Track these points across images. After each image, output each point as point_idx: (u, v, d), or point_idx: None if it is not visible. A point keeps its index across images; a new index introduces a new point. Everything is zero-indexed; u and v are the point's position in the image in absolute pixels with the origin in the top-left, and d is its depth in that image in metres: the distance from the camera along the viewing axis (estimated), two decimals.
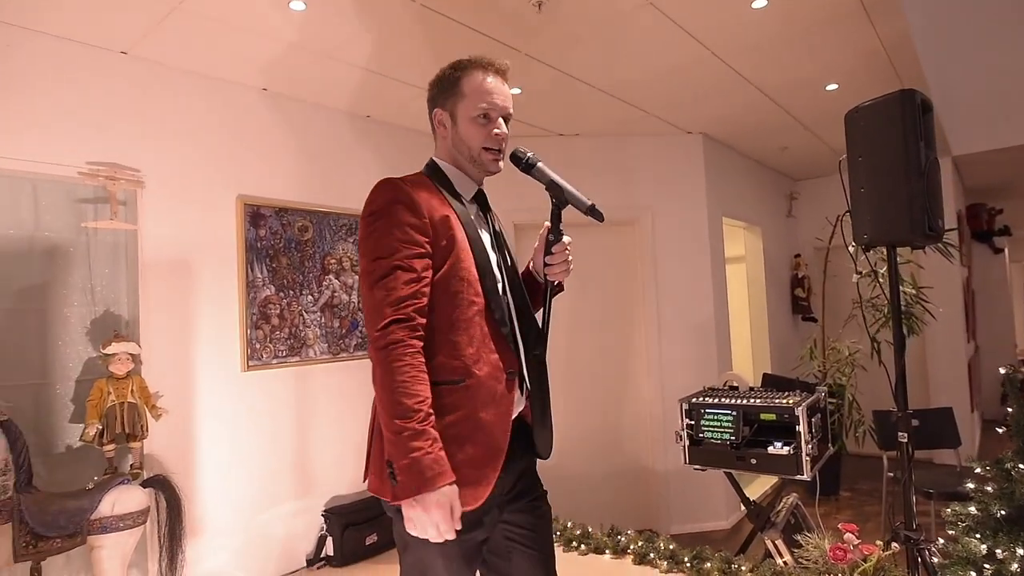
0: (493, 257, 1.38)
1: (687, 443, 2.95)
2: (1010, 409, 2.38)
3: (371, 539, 3.25)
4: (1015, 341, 7.77)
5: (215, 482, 2.89)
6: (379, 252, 1.23)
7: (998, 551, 2.12)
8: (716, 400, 2.94)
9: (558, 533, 3.34)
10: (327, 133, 3.47)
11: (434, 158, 1.45)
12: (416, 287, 1.22)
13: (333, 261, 3.41)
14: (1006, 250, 7.58)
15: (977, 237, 7.17)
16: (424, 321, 1.23)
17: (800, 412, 2.69)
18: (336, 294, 3.41)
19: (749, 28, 2.78)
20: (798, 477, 2.68)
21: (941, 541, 2.35)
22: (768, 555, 2.98)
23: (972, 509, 2.32)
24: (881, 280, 4.30)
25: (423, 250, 1.25)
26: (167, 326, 2.78)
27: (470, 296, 1.31)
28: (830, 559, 2.20)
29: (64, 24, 2.44)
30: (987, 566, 2.16)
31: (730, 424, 2.85)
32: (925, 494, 3.50)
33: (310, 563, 3.18)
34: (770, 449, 2.73)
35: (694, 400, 2.98)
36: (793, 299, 5.85)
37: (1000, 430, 2.49)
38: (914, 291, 4.41)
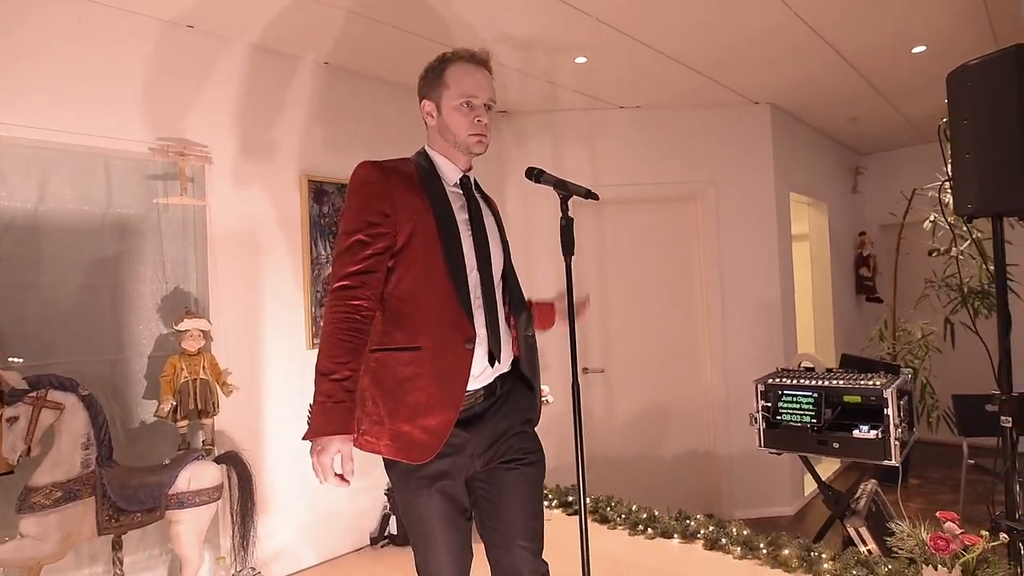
0: (466, 236, 1.51)
1: (763, 426, 2.83)
2: None
3: None
4: None
5: (283, 460, 2.90)
6: (346, 227, 1.42)
7: None
8: (795, 381, 2.80)
9: (623, 516, 3.27)
10: (388, 108, 3.40)
11: (425, 146, 1.60)
12: (370, 261, 1.39)
13: None
14: None
15: None
16: (371, 291, 1.39)
17: (889, 394, 2.54)
18: None
19: None
20: (886, 463, 2.54)
21: None
22: (849, 543, 2.85)
23: None
24: (961, 257, 4.07)
25: (383, 229, 1.41)
26: (235, 303, 2.78)
27: (431, 270, 1.45)
28: (930, 549, 2.06)
29: None
30: None
31: (811, 406, 2.72)
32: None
33: (374, 541, 3.18)
34: (855, 433, 2.58)
35: (770, 381, 2.85)
36: (858, 279, 5.60)
37: None
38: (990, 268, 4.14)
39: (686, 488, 4.19)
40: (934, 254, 4.30)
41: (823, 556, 2.64)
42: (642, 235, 4.23)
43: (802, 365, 3.11)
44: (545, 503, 3.55)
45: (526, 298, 1.76)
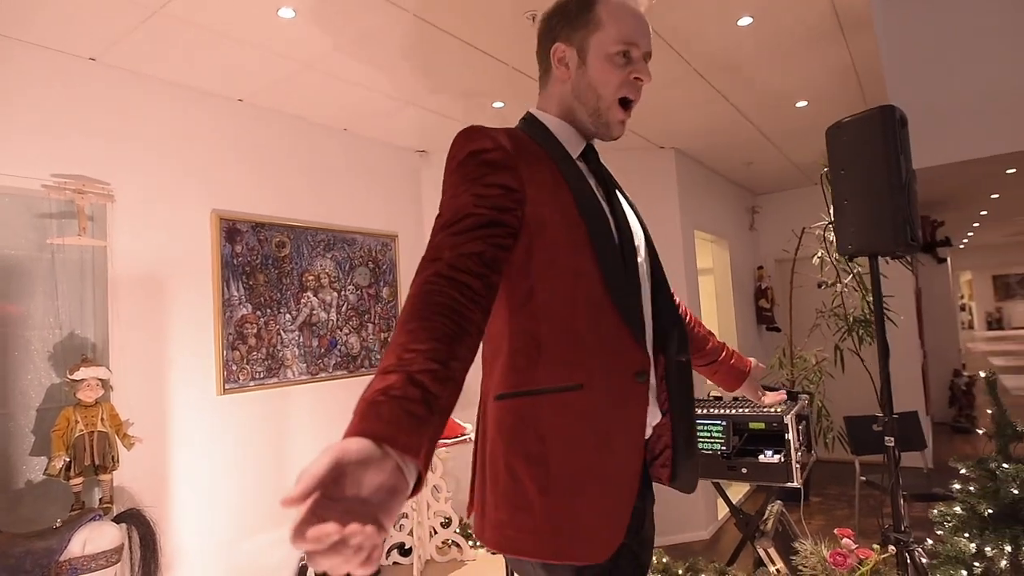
0: (612, 221, 1.07)
1: None
2: (990, 411, 2.48)
3: None
4: (959, 347, 8.19)
5: (192, 512, 2.72)
6: (449, 210, 0.95)
7: (987, 548, 2.18)
8: (705, 411, 2.96)
9: None
10: (303, 146, 3.37)
11: (534, 111, 1.17)
12: (489, 240, 0.90)
13: (311, 278, 3.30)
14: (948, 260, 8.00)
15: (922, 248, 7.54)
16: (488, 271, 0.88)
17: (789, 420, 2.73)
18: (315, 312, 3.30)
19: (732, 45, 2.85)
20: (789, 484, 2.72)
21: (929, 541, 2.41)
22: (760, 563, 3.00)
23: (958, 509, 2.40)
24: (845, 290, 4.47)
25: (507, 203, 0.96)
26: (139, 349, 2.62)
27: (579, 273, 1.01)
28: (830, 565, 2.22)
29: (29, 29, 2.29)
30: (976, 564, 2.23)
31: (720, 434, 2.88)
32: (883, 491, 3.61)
33: None
34: (761, 458, 2.75)
35: None
36: (758, 310, 6.00)
37: (980, 431, 2.57)
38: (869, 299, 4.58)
39: None
40: (822, 287, 4.70)
41: (734, 574, 2.77)
42: None
43: (711, 394, 3.29)
44: (471, 542, 3.53)
45: (703, 327, 1.41)
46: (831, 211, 2.91)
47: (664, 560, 2.97)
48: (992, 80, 5.24)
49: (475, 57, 2.76)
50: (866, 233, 2.51)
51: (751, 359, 1.46)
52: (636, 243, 1.11)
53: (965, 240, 13.26)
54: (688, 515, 4.30)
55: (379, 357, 3.63)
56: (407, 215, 3.95)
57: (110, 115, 2.60)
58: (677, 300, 1.27)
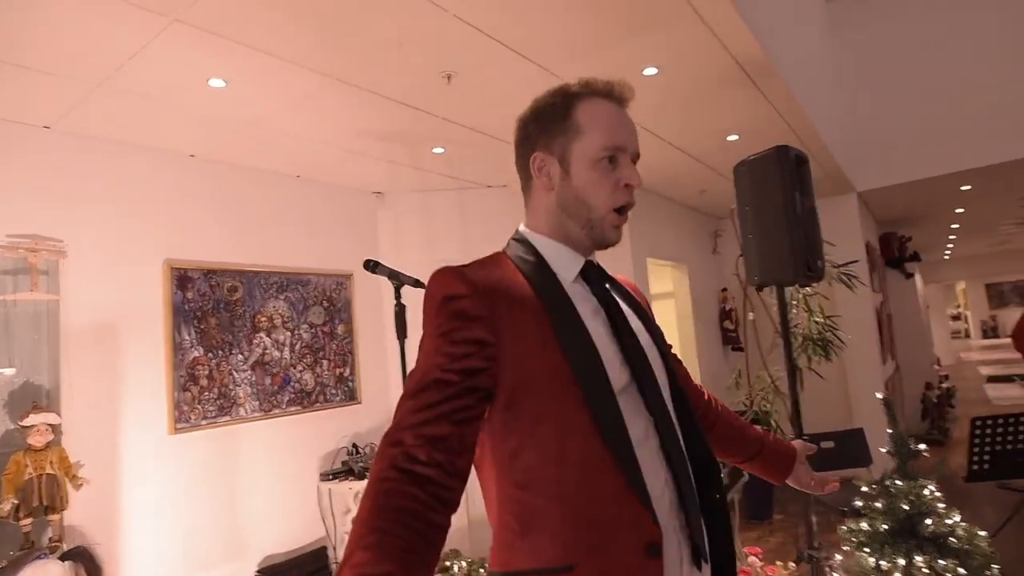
0: (612, 357, 0.95)
1: None
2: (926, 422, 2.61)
3: None
4: (932, 358, 8.28)
5: (143, 549, 2.86)
6: (420, 362, 0.90)
7: (883, 563, 2.30)
8: None
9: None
10: (256, 194, 3.57)
11: (524, 229, 1.08)
12: (450, 411, 0.84)
13: (263, 319, 3.47)
14: (916, 275, 8.13)
15: (890, 264, 7.68)
16: (445, 457, 0.82)
17: (733, 498, 2.87)
18: (267, 351, 3.46)
19: (643, 91, 3.03)
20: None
21: (839, 557, 2.52)
22: None
23: (864, 525, 2.52)
24: (793, 312, 4.62)
25: (476, 363, 0.88)
26: (91, 393, 2.78)
27: (569, 427, 0.89)
28: None
29: None
30: None
31: None
32: (841, 512, 3.70)
33: None
34: None
35: None
36: (723, 331, 6.13)
37: (922, 448, 2.65)
38: (823, 320, 4.72)
39: None
40: (750, 316, 4.86)
41: None
42: None
43: None
44: None
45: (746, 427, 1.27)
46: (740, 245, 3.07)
47: None
48: (934, 108, 5.45)
49: (403, 111, 2.96)
50: (768, 265, 2.67)
51: (794, 440, 1.31)
52: (652, 369, 0.99)
53: (947, 253, 13.39)
54: None
55: (333, 392, 3.79)
56: (363, 253, 4.13)
57: (64, 177, 2.81)
58: (702, 390, 1.24)
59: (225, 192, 3.42)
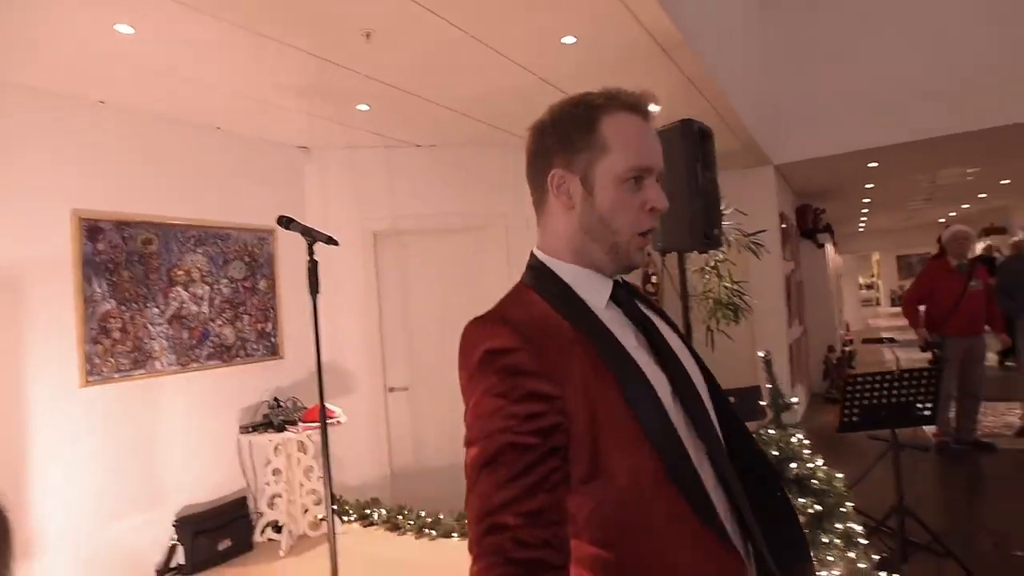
0: (662, 382, 0.88)
1: None
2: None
3: (224, 544, 3.33)
4: (835, 324, 8.92)
5: (53, 497, 2.86)
6: (482, 430, 0.80)
7: None
8: None
9: (411, 523, 3.57)
10: (173, 144, 3.47)
11: (543, 256, 0.98)
12: (543, 477, 0.76)
13: (181, 273, 3.43)
14: (827, 245, 8.67)
15: (805, 234, 8.15)
16: (557, 531, 0.75)
17: None
18: (185, 305, 3.44)
19: (564, 59, 3.12)
20: None
21: None
22: None
23: None
24: (706, 277, 4.90)
25: (551, 419, 0.79)
26: None
27: (636, 471, 0.83)
28: None
29: None
30: None
31: None
32: None
33: (160, 573, 3.21)
34: None
35: None
36: (646, 294, 6.42)
37: (794, 400, 2.92)
38: (731, 285, 5.02)
39: None
40: (692, 272, 5.13)
41: None
42: (443, 261, 4.62)
43: None
44: (345, 517, 3.78)
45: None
46: None
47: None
48: (847, 87, 5.74)
49: (323, 66, 2.94)
50: (670, 232, 2.85)
51: None
52: (700, 393, 0.94)
53: (862, 225, 14.23)
54: None
55: (255, 347, 3.81)
56: (287, 209, 4.10)
57: None
58: None
59: (139, 141, 3.32)
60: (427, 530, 3.49)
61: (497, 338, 0.82)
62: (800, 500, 2.50)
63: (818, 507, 2.57)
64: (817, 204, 8.45)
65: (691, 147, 2.76)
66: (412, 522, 3.57)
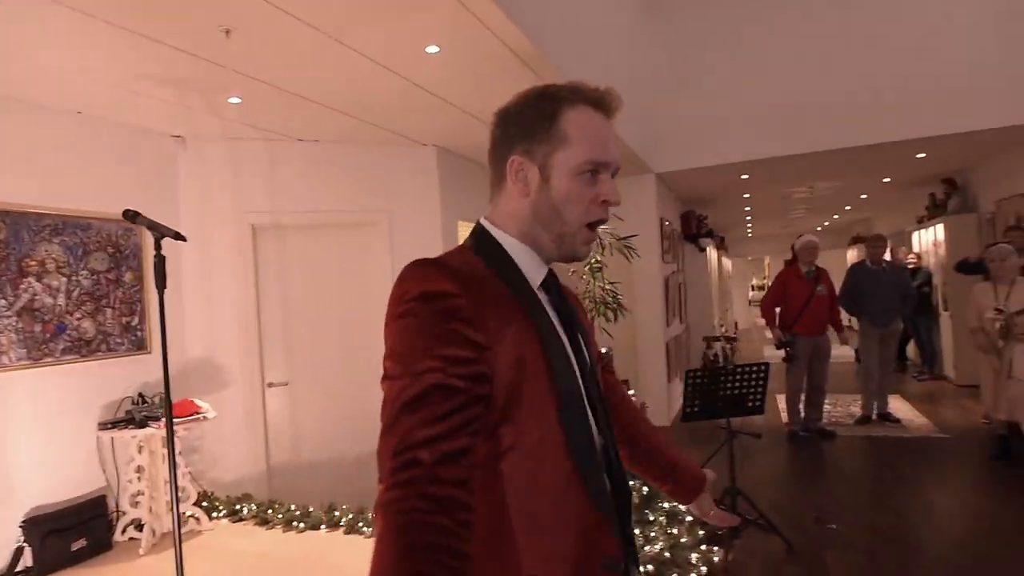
0: (578, 375, 0.95)
1: None
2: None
3: (78, 544, 3.23)
4: (714, 322, 9.60)
5: None
6: (407, 365, 0.80)
7: None
8: None
9: (280, 516, 3.61)
10: (26, 128, 3.32)
11: (489, 226, 1.01)
12: (462, 422, 0.78)
13: (33, 263, 3.29)
14: (708, 249, 9.32)
15: (689, 238, 8.73)
16: (467, 474, 0.77)
17: None
18: (37, 297, 3.30)
19: (431, 66, 3.24)
20: None
21: None
22: None
23: None
24: (583, 278, 5.19)
25: (478, 368, 0.81)
26: None
27: (546, 441, 0.87)
28: None
29: None
30: None
31: None
32: None
33: None
34: None
35: None
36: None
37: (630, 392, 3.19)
38: (608, 286, 5.35)
39: (371, 485, 4.65)
40: (571, 272, 5.41)
41: None
42: (324, 257, 4.64)
43: None
44: (215, 513, 3.76)
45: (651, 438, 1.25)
46: None
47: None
48: (723, 102, 6.20)
49: (185, 59, 2.92)
50: None
51: (705, 470, 1.28)
52: (597, 380, 1.02)
53: (749, 231, 15.28)
54: None
55: (119, 341, 3.70)
56: (159, 199, 4.01)
57: None
58: (633, 404, 1.26)
59: None
60: (295, 523, 3.53)
61: (436, 282, 0.84)
62: (631, 482, 2.76)
63: (646, 489, 2.86)
64: (701, 211, 9.06)
65: None
66: (281, 516, 3.60)
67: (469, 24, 2.75)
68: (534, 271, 0.97)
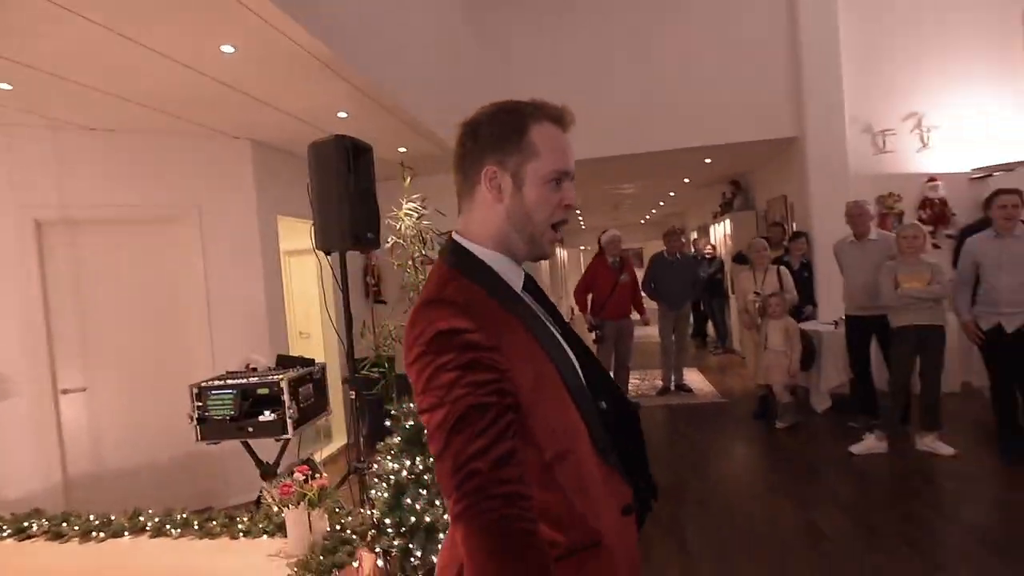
0: (577, 366, 1.10)
1: (197, 423, 3.37)
2: None
3: None
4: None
5: None
6: (443, 397, 0.92)
7: (395, 465, 3.06)
8: (221, 382, 3.41)
9: (76, 527, 3.42)
10: None
11: (466, 242, 1.10)
12: (498, 427, 0.91)
13: None
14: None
15: None
16: (521, 472, 0.91)
17: (284, 384, 3.34)
18: None
19: (230, 65, 3.24)
20: (283, 436, 3.34)
21: (375, 466, 3.22)
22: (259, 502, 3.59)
23: (396, 439, 3.27)
24: (408, 272, 5.38)
25: (506, 386, 0.94)
26: None
27: (568, 426, 1.03)
28: (279, 495, 2.85)
29: None
30: (392, 476, 3.09)
31: (230, 401, 3.36)
32: None
33: None
34: (261, 417, 3.32)
35: (203, 384, 3.40)
36: (365, 285, 6.76)
37: None
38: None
39: (185, 489, 4.50)
40: (396, 266, 5.59)
41: (245, 519, 3.31)
42: (126, 254, 4.38)
43: (249, 366, 3.76)
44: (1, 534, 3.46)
45: None
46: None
47: (185, 516, 3.36)
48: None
49: None
50: (328, 236, 3.18)
51: None
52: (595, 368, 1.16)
53: (582, 223, 16.37)
54: (232, 479, 4.64)
55: None
56: None
57: None
58: None
59: None
60: (94, 533, 3.37)
61: (448, 320, 0.94)
62: (430, 460, 3.03)
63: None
64: None
65: (343, 159, 3.09)
66: (77, 527, 3.42)
67: (259, 26, 2.81)
68: (514, 278, 1.09)
